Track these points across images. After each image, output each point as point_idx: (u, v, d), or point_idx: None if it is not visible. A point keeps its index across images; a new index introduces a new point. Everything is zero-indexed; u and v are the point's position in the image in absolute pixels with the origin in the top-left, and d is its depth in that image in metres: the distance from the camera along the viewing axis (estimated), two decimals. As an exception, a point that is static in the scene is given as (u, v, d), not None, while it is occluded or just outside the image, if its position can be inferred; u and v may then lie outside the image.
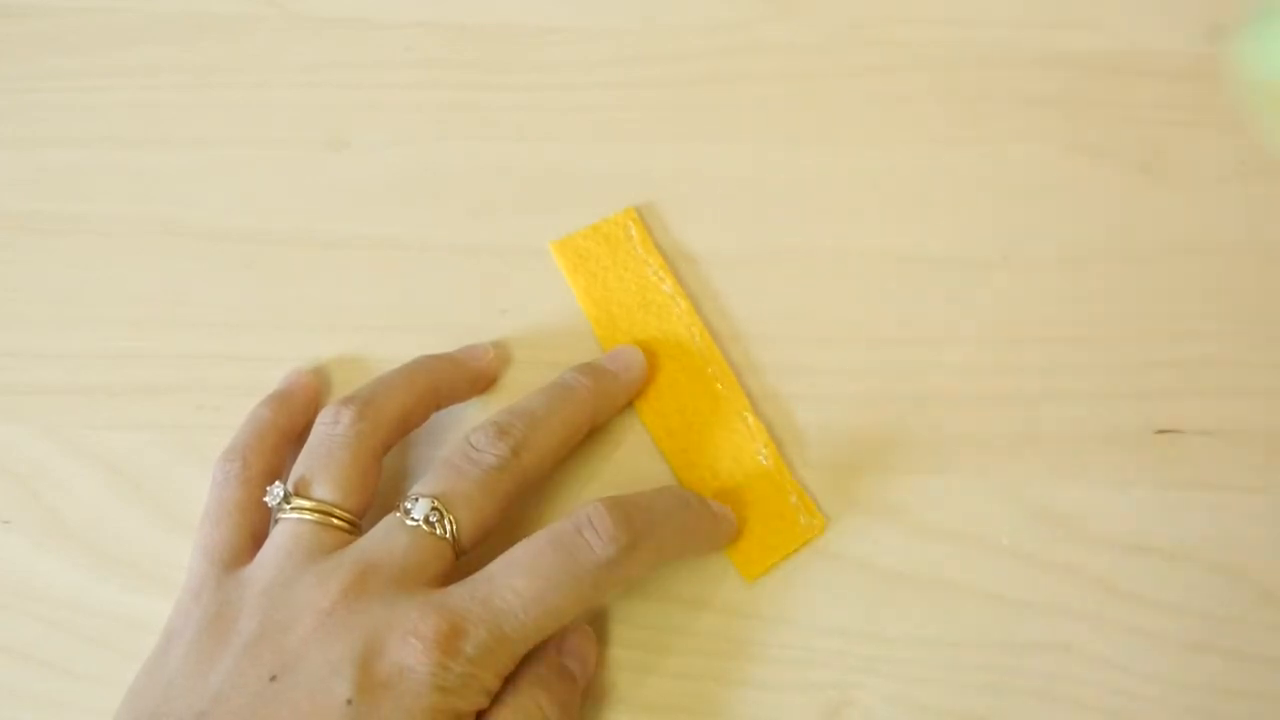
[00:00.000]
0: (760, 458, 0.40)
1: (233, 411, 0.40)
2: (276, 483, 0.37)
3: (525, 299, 0.43)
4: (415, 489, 0.36)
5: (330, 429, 0.37)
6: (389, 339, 0.42)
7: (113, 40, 0.46)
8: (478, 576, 0.34)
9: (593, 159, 0.44)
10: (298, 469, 0.37)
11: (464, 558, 0.36)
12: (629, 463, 0.40)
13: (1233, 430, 0.40)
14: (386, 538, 0.35)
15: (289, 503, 0.36)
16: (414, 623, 0.33)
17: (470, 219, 0.44)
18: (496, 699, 0.34)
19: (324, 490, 0.36)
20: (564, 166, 0.44)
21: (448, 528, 0.35)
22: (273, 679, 0.32)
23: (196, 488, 0.39)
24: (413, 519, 0.35)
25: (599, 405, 0.39)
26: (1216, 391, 0.41)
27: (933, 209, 0.43)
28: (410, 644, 0.32)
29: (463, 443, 0.37)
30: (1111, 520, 0.39)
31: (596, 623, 0.38)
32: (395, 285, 0.43)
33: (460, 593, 0.34)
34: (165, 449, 0.41)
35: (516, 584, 0.34)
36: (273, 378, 0.42)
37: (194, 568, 0.36)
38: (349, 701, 0.32)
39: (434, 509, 0.35)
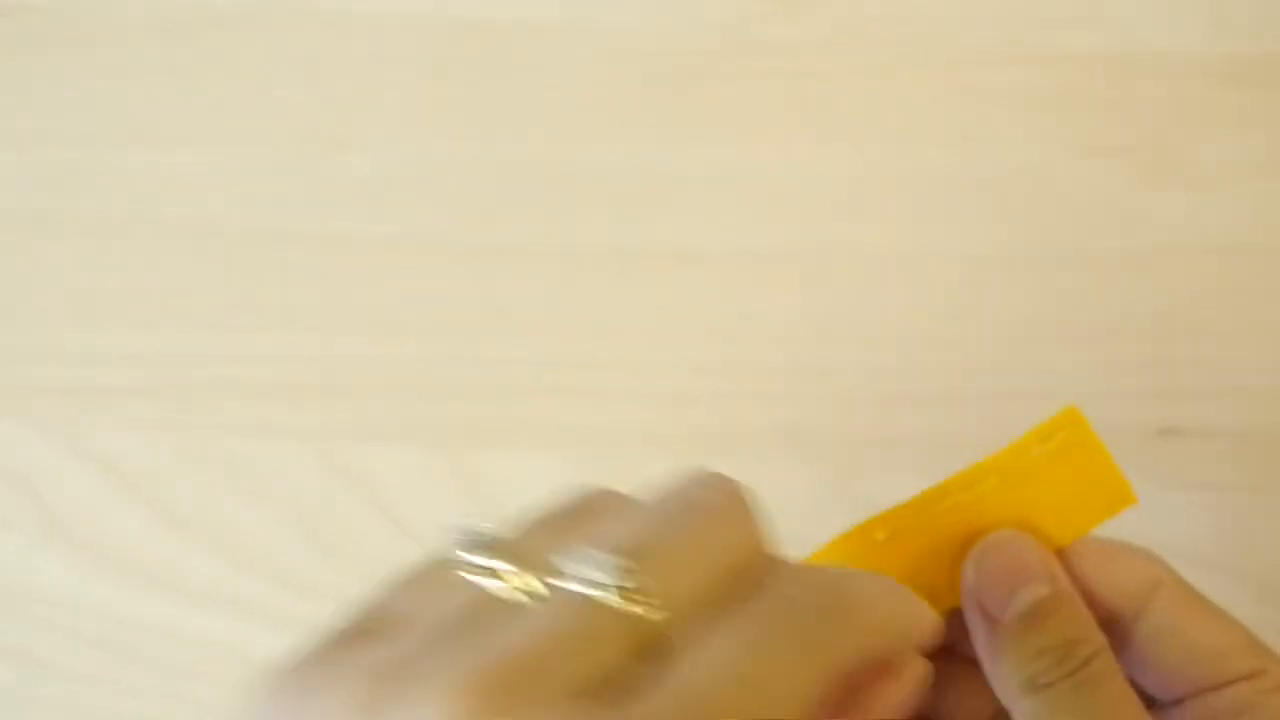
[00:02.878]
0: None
1: (233, 411, 0.40)
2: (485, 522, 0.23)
3: (527, 298, 0.43)
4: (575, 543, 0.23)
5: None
6: (389, 339, 0.42)
7: (111, 38, 0.46)
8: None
9: (592, 158, 0.44)
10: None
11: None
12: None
13: (1233, 430, 0.40)
14: (546, 617, 0.21)
15: (474, 552, 0.23)
16: None
17: (471, 218, 0.44)
18: None
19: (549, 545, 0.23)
20: (564, 165, 0.44)
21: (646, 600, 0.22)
22: None
23: (196, 488, 0.39)
24: (582, 583, 0.22)
25: None
26: (1216, 391, 0.41)
27: (933, 209, 0.43)
28: None
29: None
30: (1111, 520, 0.39)
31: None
32: (395, 285, 0.43)
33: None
34: (165, 449, 0.41)
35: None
36: (273, 377, 0.42)
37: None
38: None
39: (624, 569, 0.22)
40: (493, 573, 0.22)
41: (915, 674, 0.25)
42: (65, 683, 0.38)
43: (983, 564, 0.28)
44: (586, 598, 0.21)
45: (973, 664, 0.30)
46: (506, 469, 0.42)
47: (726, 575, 0.23)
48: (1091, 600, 0.30)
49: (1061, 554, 0.30)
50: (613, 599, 0.21)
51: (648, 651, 0.21)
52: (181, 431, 0.41)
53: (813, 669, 0.22)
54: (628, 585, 0.21)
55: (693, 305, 0.42)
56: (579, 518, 0.24)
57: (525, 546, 0.23)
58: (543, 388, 0.42)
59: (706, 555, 0.23)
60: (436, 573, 0.23)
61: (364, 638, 0.22)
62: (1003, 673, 0.29)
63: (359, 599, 0.24)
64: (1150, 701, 0.30)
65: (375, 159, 0.45)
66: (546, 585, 0.22)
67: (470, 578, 0.23)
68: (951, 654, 0.30)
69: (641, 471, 0.42)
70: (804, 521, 0.41)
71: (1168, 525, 0.39)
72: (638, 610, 0.22)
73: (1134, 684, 0.29)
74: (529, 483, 0.41)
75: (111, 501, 0.41)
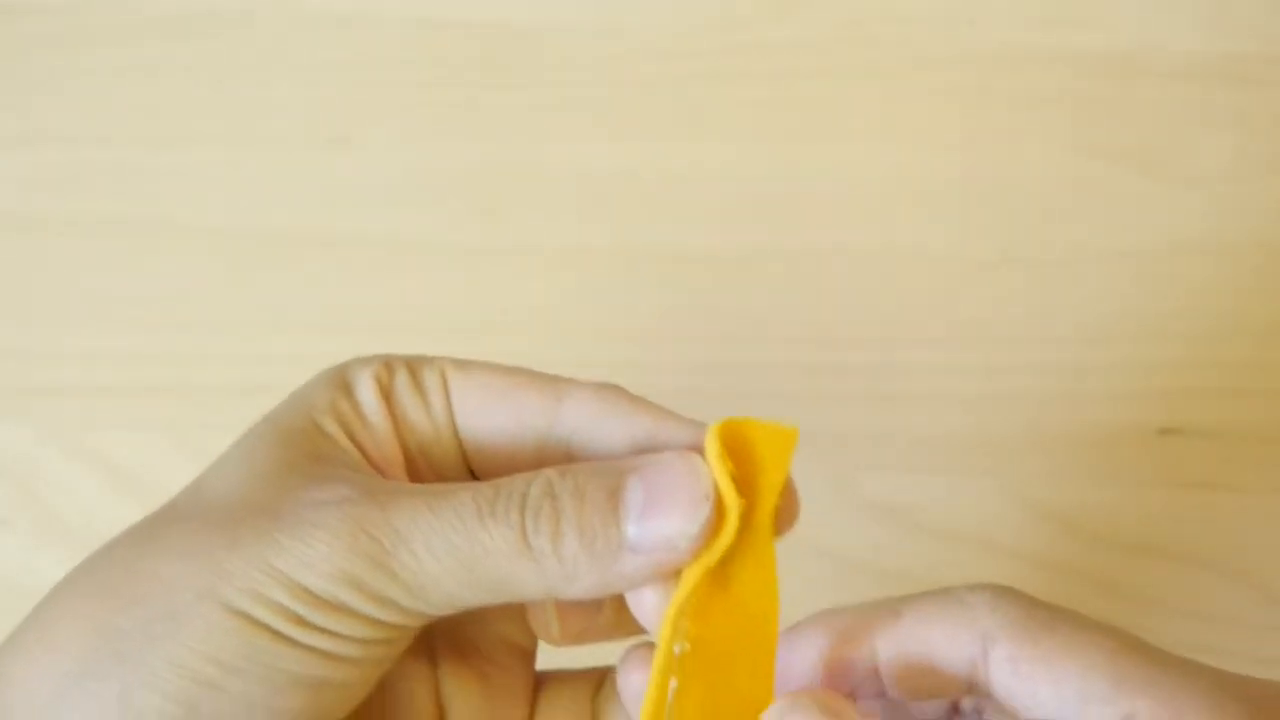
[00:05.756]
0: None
1: (232, 411, 0.40)
2: None
3: (526, 299, 0.43)
4: None
5: None
6: (390, 339, 0.42)
7: (112, 38, 0.46)
8: None
9: (593, 158, 0.44)
10: None
11: None
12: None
13: (1233, 430, 0.40)
14: None
15: None
16: None
17: (472, 218, 0.44)
18: None
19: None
20: (564, 165, 0.44)
21: None
22: None
23: (196, 488, 0.39)
24: None
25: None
26: (1216, 391, 0.41)
27: (933, 209, 0.43)
28: None
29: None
30: (1111, 520, 0.39)
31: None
32: (396, 285, 0.43)
33: None
34: (165, 449, 0.41)
35: None
36: (272, 377, 0.41)
37: None
38: None
39: None
40: None
41: None
42: (65, 683, 0.38)
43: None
44: None
45: None
46: (506, 469, 0.42)
47: None
48: (923, 681, 0.26)
49: (881, 627, 0.26)
50: None
51: None
52: (181, 431, 0.41)
53: None
54: None
55: (693, 305, 0.42)
56: None
57: None
58: (543, 388, 0.42)
59: None
60: None
61: None
62: None
63: None
64: None
65: (375, 159, 0.45)
66: None
67: None
68: None
69: (641, 471, 0.42)
70: (804, 521, 0.41)
71: (1168, 525, 0.39)
72: None
73: None
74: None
75: (111, 501, 0.41)
